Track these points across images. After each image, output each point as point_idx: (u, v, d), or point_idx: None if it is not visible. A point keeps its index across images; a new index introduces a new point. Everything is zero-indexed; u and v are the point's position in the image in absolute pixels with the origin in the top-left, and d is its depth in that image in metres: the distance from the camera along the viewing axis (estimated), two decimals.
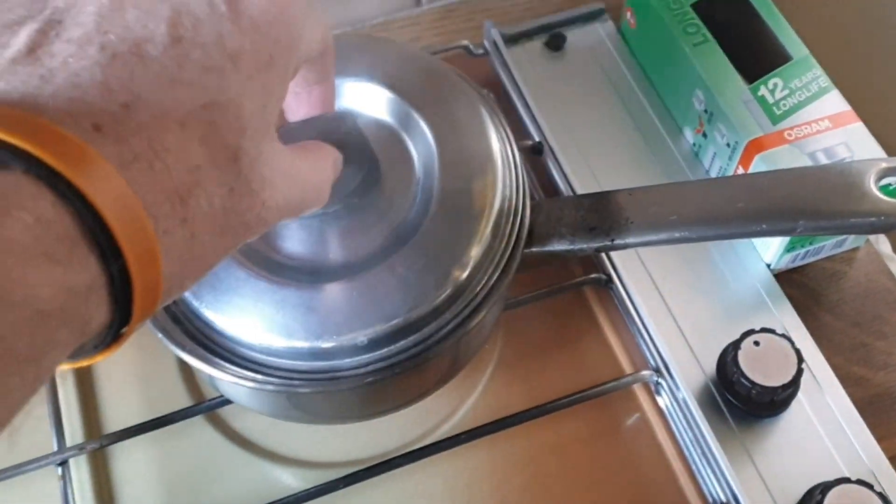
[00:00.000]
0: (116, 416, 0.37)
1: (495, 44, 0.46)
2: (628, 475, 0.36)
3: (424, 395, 0.34)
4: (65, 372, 0.38)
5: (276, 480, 0.36)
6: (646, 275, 0.39)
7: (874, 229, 0.31)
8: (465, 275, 0.30)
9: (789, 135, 0.38)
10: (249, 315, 0.29)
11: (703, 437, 0.34)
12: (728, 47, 0.41)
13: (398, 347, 0.29)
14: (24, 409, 0.16)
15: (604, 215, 0.33)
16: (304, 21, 0.21)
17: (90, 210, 0.16)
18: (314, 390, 0.29)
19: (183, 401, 0.37)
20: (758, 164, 0.38)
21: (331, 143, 0.26)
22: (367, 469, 0.34)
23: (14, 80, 0.17)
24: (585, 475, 0.36)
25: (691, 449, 0.35)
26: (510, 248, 0.32)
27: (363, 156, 0.29)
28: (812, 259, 0.41)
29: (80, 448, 0.35)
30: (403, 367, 0.29)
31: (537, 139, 0.43)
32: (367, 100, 0.33)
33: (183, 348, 0.29)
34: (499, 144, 0.33)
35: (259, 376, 0.29)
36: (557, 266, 0.40)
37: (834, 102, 0.39)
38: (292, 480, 0.36)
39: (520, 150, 0.34)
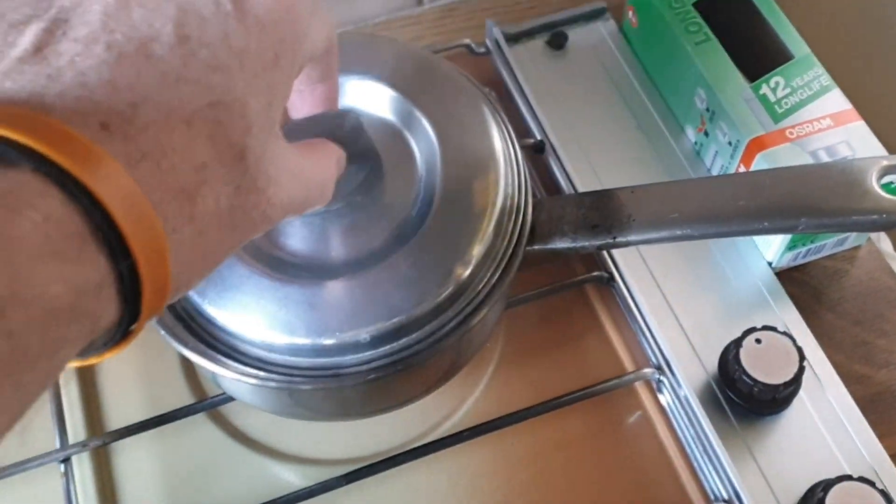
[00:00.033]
0: (119, 413, 0.37)
1: (497, 42, 0.46)
2: (630, 473, 0.36)
3: (427, 393, 0.34)
4: (68, 370, 0.38)
5: (279, 478, 0.36)
6: (647, 273, 0.39)
7: (876, 227, 0.31)
8: (467, 272, 0.30)
9: (791, 133, 0.38)
10: (252, 312, 0.29)
11: (704, 434, 0.34)
12: (730, 46, 0.41)
13: (400, 345, 0.29)
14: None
15: (605, 213, 0.33)
16: (309, 20, 0.21)
17: (99, 208, 0.16)
18: (316, 387, 0.29)
19: (185, 398, 0.37)
20: (759, 163, 0.38)
21: (334, 141, 0.26)
22: (370, 466, 0.34)
23: (21, 80, 0.17)
24: (587, 473, 0.36)
25: (693, 446, 0.35)
26: (512, 246, 0.32)
27: (366, 154, 0.29)
28: (813, 257, 0.41)
29: (82, 445, 0.35)
30: (406, 364, 0.29)
31: (539, 138, 0.43)
32: (369, 98, 0.33)
33: (185, 345, 0.30)
34: (501, 143, 0.33)
35: (261, 373, 0.29)
36: (559, 264, 0.40)
37: (835, 101, 0.39)
38: (294, 478, 0.36)
39: (521, 148, 0.34)
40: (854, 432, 0.35)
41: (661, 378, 0.37)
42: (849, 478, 0.32)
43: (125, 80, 0.17)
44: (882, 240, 0.42)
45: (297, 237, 0.31)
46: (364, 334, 0.29)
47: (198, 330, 0.30)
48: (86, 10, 0.18)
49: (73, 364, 0.17)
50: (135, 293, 0.17)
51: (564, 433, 0.37)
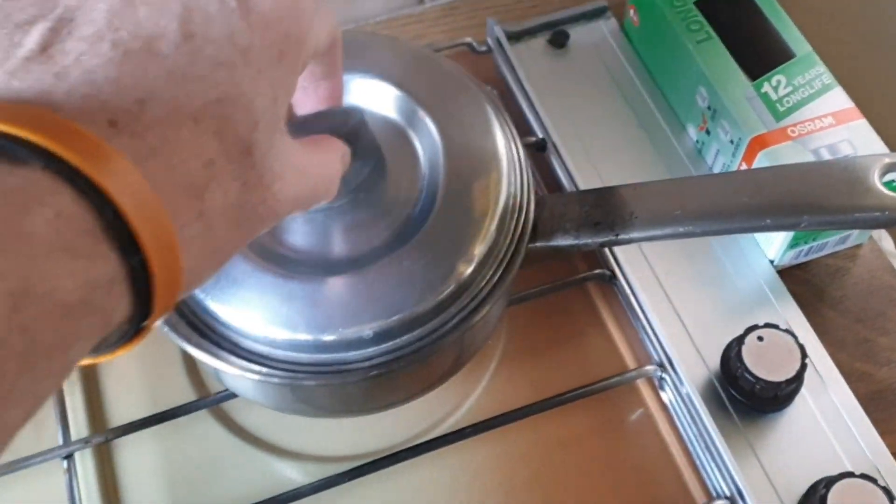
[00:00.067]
0: (121, 410, 0.37)
1: (498, 41, 0.46)
2: (632, 470, 0.36)
3: (429, 390, 0.34)
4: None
5: (281, 474, 0.36)
6: (649, 271, 0.39)
7: (878, 224, 0.31)
8: (469, 270, 0.30)
9: (792, 131, 0.38)
10: (255, 308, 0.29)
11: (706, 431, 0.35)
12: (731, 44, 0.41)
13: (403, 341, 0.30)
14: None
15: (608, 210, 0.33)
16: (313, 16, 0.22)
17: (109, 205, 0.16)
18: (319, 383, 0.29)
19: (187, 395, 0.37)
20: (761, 161, 0.38)
21: (338, 138, 0.26)
22: (372, 463, 0.34)
23: (28, 79, 0.17)
24: (589, 469, 0.36)
25: (695, 443, 0.35)
26: (515, 244, 0.32)
27: (370, 151, 0.29)
28: (815, 255, 0.41)
29: (85, 442, 0.35)
30: (408, 360, 0.30)
31: (541, 136, 0.43)
32: (373, 96, 0.33)
33: (188, 341, 0.30)
34: (503, 141, 0.33)
35: (264, 369, 0.29)
36: (561, 262, 0.40)
37: (837, 99, 0.39)
38: (297, 474, 0.36)
39: (523, 146, 0.34)
40: (856, 429, 0.35)
41: (664, 375, 0.37)
42: (851, 475, 0.32)
43: (132, 77, 0.17)
44: (883, 238, 0.42)
45: (300, 234, 0.31)
46: (367, 331, 0.29)
47: (200, 326, 0.30)
48: (91, 9, 0.18)
49: (86, 361, 0.17)
50: (146, 289, 0.17)
51: (566, 430, 0.37)
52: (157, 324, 0.29)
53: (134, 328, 0.18)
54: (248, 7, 0.19)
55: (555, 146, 0.42)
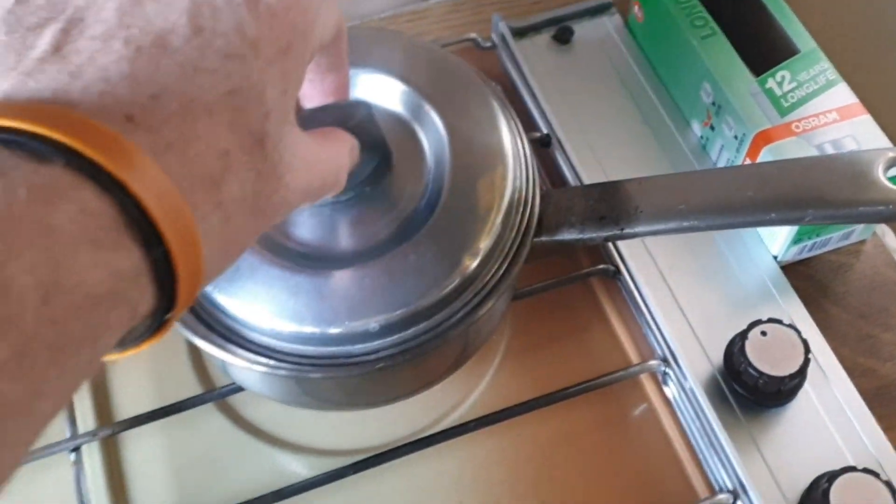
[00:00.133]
0: (128, 403, 0.38)
1: (503, 37, 0.46)
2: (635, 464, 0.36)
3: (434, 383, 0.35)
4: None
5: (286, 468, 0.36)
6: (653, 266, 0.39)
7: (882, 218, 0.31)
8: (475, 264, 0.30)
9: (797, 127, 0.38)
10: (262, 301, 0.29)
11: (710, 426, 0.35)
12: (736, 40, 0.41)
13: (408, 334, 0.30)
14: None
15: (613, 204, 0.33)
16: (319, 7, 0.22)
17: (131, 199, 0.16)
18: (325, 375, 0.30)
19: (194, 389, 0.38)
20: (765, 156, 0.38)
21: (346, 131, 0.26)
22: (377, 456, 0.35)
23: (44, 79, 0.17)
24: (593, 464, 0.36)
25: (698, 438, 0.35)
26: (520, 238, 0.32)
27: (377, 145, 0.29)
28: (819, 251, 0.41)
29: (92, 434, 0.36)
30: (413, 353, 0.30)
31: (545, 132, 0.43)
32: (379, 91, 0.33)
33: (195, 333, 0.30)
34: (509, 136, 0.33)
35: (271, 361, 0.29)
36: (565, 257, 0.40)
37: (841, 95, 0.39)
38: (301, 467, 0.36)
39: (528, 142, 0.34)
40: (858, 424, 0.35)
41: (667, 370, 0.37)
42: (853, 469, 0.32)
43: (145, 72, 0.17)
44: (887, 234, 0.42)
45: (306, 227, 0.31)
46: (372, 323, 0.29)
47: (207, 319, 0.30)
48: (101, 8, 0.18)
49: (112, 356, 0.17)
50: (169, 280, 0.17)
51: (570, 425, 0.37)
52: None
53: (158, 321, 0.18)
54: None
55: (559, 142, 0.42)
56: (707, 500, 0.34)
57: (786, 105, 0.39)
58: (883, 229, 0.42)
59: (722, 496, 0.34)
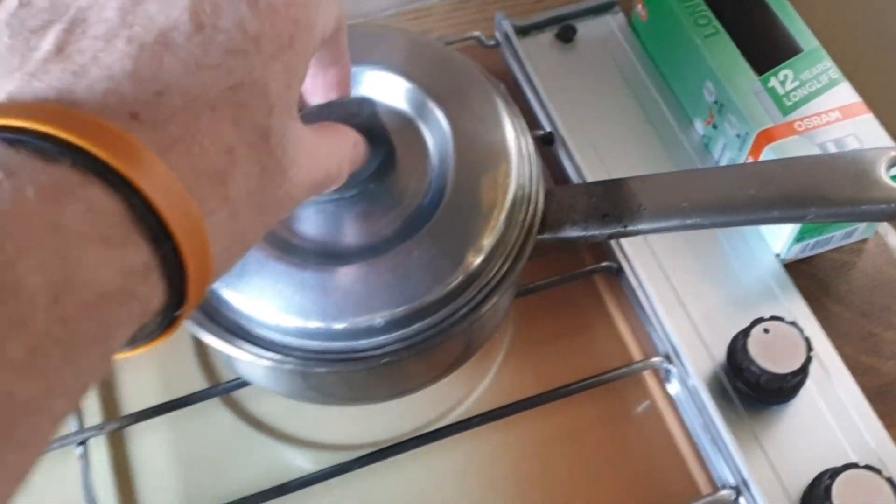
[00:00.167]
0: (134, 397, 0.38)
1: (506, 35, 0.46)
2: (638, 461, 0.36)
3: (438, 379, 0.35)
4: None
5: (291, 462, 0.37)
6: (656, 264, 0.39)
7: (884, 216, 0.31)
8: (478, 260, 0.30)
9: (799, 126, 0.38)
10: (268, 296, 0.29)
11: (712, 423, 0.35)
12: (739, 39, 0.41)
13: (413, 330, 0.30)
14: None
15: (616, 202, 0.33)
16: (320, 1, 0.22)
17: (138, 196, 0.16)
18: (329, 370, 0.30)
19: (199, 383, 0.38)
20: (768, 155, 0.38)
21: (351, 128, 0.27)
22: (381, 451, 0.35)
23: (48, 79, 0.17)
24: (596, 460, 0.36)
25: (701, 435, 0.36)
26: (523, 235, 0.32)
27: (381, 141, 0.29)
28: (821, 250, 0.41)
29: (99, 428, 0.36)
30: (418, 349, 0.30)
31: (548, 130, 0.43)
32: (383, 88, 0.33)
33: (203, 328, 0.30)
34: (513, 133, 0.33)
35: (277, 355, 0.30)
36: (568, 254, 0.41)
37: (844, 94, 0.39)
38: (307, 462, 0.37)
39: (531, 139, 0.34)
40: (860, 421, 0.35)
41: (670, 367, 0.37)
42: (855, 466, 0.33)
43: (149, 70, 0.18)
44: (889, 233, 0.42)
45: (311, 223, 0.31)
46: (377, 319, 0.29)
47: (213, 314, 0.31)
48: (102, 8, 0.18)
49: (123, 354, 0.17)
50: (179, 276, 0.17)
51: (573, 421, 0.37)
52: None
53: (168, 318, 0.18)
54: None
55: (562, 140, 0.43)
56: (710, 496, 0.34)
57: (788, 104, 0.39)
58: (885, 228, 0.42)
59: (724, 492, 0.34)
